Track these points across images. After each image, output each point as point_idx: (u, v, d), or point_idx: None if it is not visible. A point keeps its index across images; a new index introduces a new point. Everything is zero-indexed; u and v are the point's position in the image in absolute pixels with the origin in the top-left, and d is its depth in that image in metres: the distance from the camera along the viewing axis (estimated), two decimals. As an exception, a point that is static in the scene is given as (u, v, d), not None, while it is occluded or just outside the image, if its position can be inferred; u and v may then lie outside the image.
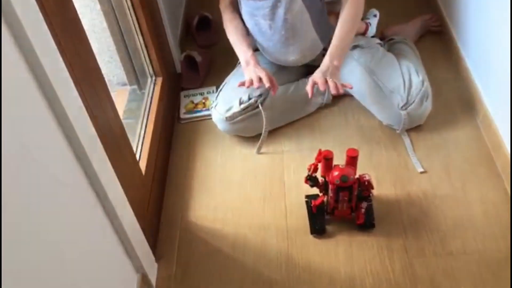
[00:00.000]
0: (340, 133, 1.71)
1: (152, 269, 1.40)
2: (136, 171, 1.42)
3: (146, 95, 1.72)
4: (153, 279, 1.38)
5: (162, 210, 1.58)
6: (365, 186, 1.38)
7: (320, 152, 1.37)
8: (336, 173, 1.33)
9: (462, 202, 1.47)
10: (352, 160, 1.36)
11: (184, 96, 1.90)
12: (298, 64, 1.76)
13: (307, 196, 1.49)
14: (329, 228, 1.45)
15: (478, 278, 1.30)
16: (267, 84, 1.55)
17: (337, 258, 1.39)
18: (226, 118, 1.66)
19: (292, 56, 1.71)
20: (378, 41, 1.77)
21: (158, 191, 1.58)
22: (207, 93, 1.90)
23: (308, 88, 1.56)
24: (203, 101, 1.87)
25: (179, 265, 1.43)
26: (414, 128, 1.67)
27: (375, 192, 1.47)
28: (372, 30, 1.78)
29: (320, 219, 1.44)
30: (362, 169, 1.41)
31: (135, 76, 1.81)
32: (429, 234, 1.41)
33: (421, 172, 1.56)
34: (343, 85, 1.53)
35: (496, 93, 1.56)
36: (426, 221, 1.44)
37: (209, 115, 1.77)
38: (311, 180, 1.38)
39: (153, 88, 1.73)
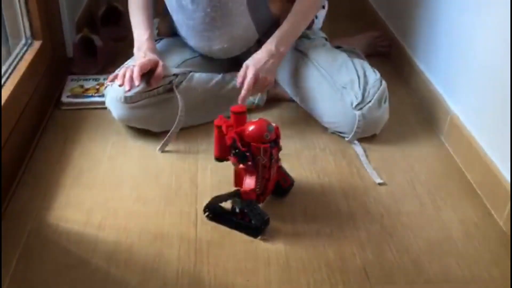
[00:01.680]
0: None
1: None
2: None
3: (12, 57, 1.24)
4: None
5: (7, 202, 1.04)
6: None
7: (221, 117, 1.03)
8: (251, 127, 0.98)
9: (435, 221, 1.09)
10: (239, 118, 1.01)
11: (72, 80, 1.43)
12: (225, 56, 1.39)
13: (209, 205, 1.04)
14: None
15: (471, 314, 0.89)
16: (126, 83, 1.20)
17: (268, 282, 0.92)
18: (126, 98, 1.22)
19: (218, 44, 1.34)
20: (324, 35, 1.47)
21: (5, 175, 1.05)
22: (104, 79, 1.44)
23: (239, 78, 1.26)
24: (97, 86, 1.41)
25: (14, 283, 0.88)
26: (366, 139, 1.32)
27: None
28: (319, 22, 1.48)
29: (259, 210, 1.01)
30: (304, 174, 1.10)
31: (4, 37, 1.34)
32: (397, 257, 0.99)
33: (380, 184, 1.18)
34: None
35: (465, 98, 1.27)
36: (392, 241, 1.03)
37: (103, 102, 1.30)
38: (238, 154, 0.94)
39: (26, 49, 1.26)
